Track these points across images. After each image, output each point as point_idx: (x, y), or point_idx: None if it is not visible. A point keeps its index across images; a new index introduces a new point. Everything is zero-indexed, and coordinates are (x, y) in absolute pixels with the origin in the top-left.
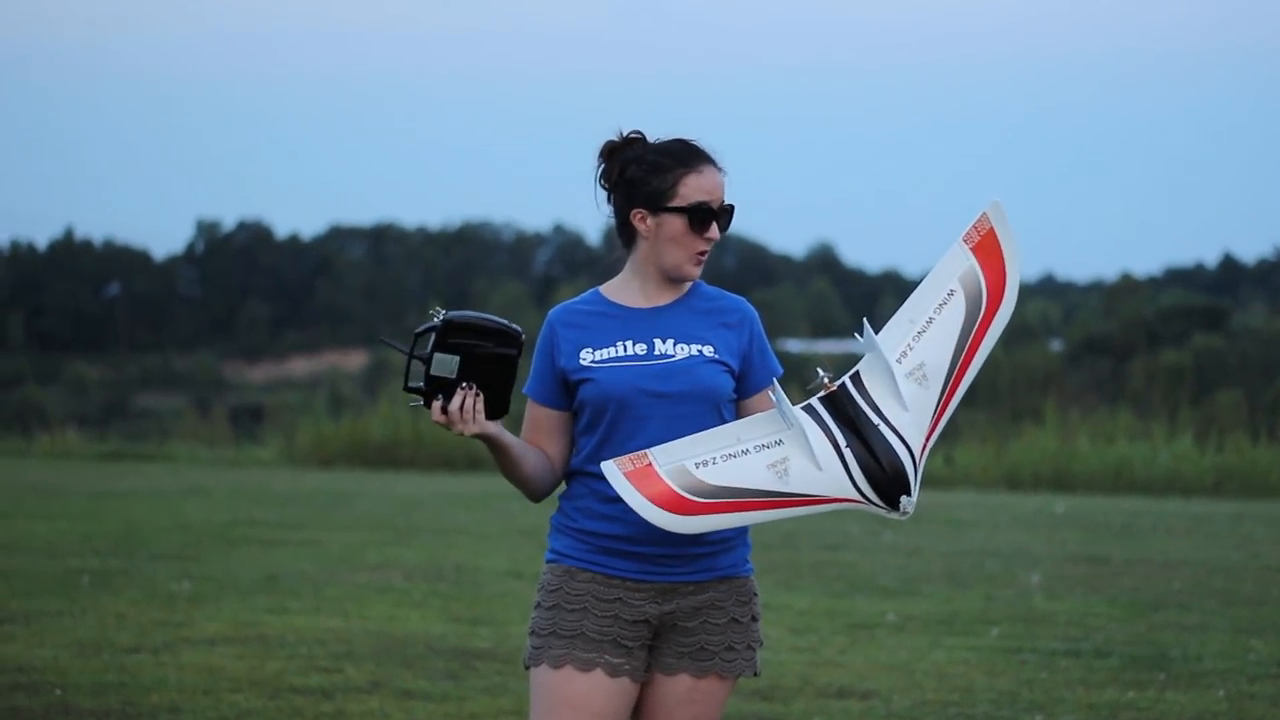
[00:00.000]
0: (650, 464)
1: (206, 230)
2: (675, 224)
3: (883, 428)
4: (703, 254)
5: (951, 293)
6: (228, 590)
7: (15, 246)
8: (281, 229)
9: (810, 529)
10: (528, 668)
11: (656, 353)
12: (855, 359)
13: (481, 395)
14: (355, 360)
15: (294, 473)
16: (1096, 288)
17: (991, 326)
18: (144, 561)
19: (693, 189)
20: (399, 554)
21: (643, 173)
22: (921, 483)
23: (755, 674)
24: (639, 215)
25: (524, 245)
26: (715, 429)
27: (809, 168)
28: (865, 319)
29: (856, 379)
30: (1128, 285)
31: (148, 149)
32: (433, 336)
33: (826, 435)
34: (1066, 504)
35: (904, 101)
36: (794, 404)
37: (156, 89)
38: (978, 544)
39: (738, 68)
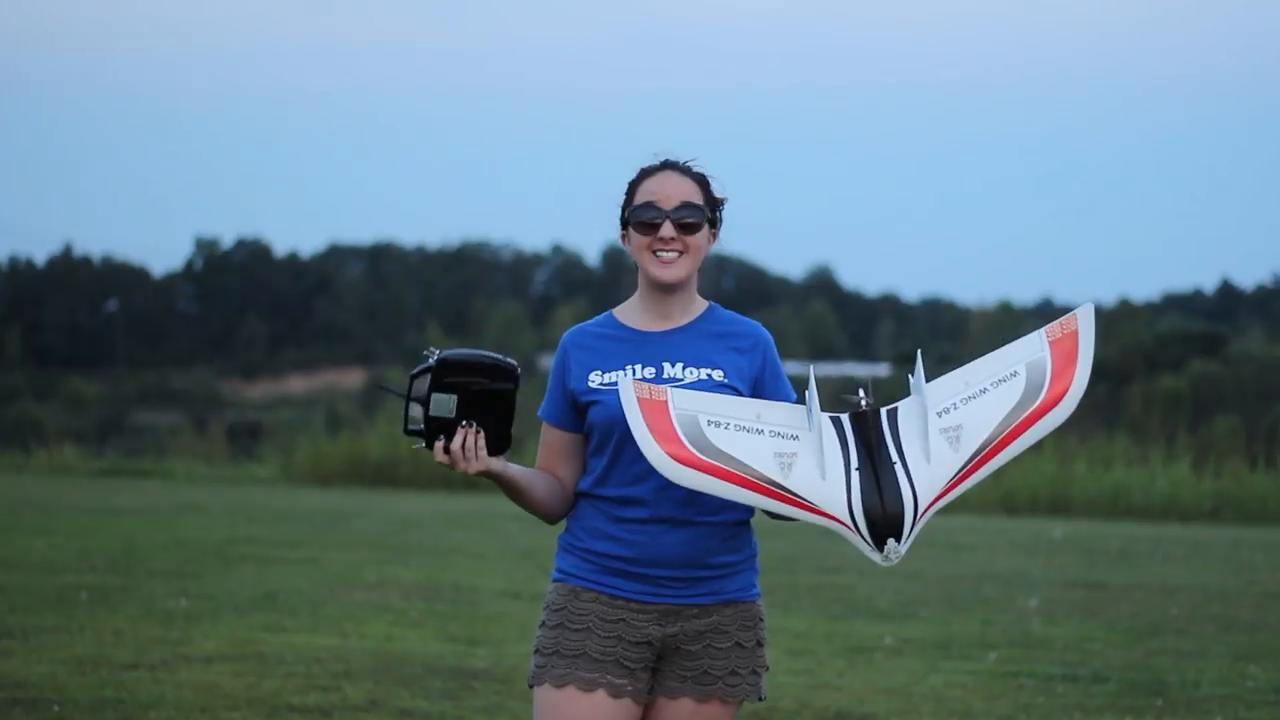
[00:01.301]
0: (666, 401)
1: (205, 248)
2: (633, 233)
3: (898, 468)
4: (662, 255)
5: (1015, 374)
6: (225, 608)
7: (14, 262)
8: (280, 247)
9: (808, 551)
10: (532, 686)
11: (665, 376)
12: (851, 382)
13: (482, 432)
14: (353, 379)
15: (291, 491)
16: (1095, 313)
17: (1040, 422)
18: (142, 578)
19: (641, 194)
20: (397, 573)
21: (621, 200)
22: (914, 539)
23: (760, 699)
24: (623, 237)
25: (522, 265)
26: (739, 399)
27: (808, 190)
28: (920, 351)
29: (892, 415)
30: (1126, 310)
31: (147, 166)
32: (428, 377)
33: (842, 450)
34: (1064, 529)
35: (903, 125)
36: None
37: (156, 106)
38: (976, 568)
39: (737, 90)
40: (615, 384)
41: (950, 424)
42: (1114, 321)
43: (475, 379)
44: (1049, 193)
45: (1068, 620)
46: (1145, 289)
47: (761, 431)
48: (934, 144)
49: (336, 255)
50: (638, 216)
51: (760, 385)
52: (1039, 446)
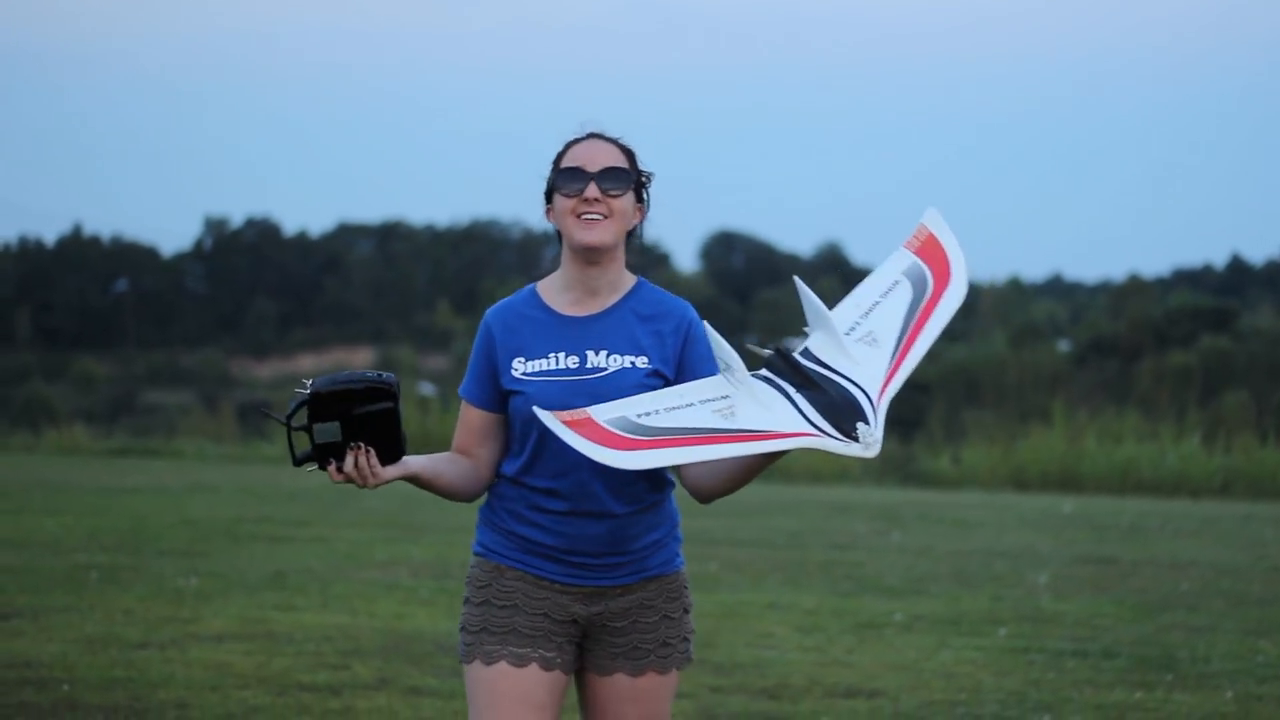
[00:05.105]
0: (589, 417)
1: (214, 227)
2: (557, 199)
3: (832, 375)
4: (587, 217)
5: (896, 283)
6: (235, 587)
7: (23, 242)
8: (289, 226)
9: (817, 528)
10: (463, 664)
11: (589, 365)
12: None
13: (373, 450)
14: (362, 358)
15: (301, 469)
16: (1104, 288)
17: (941, 302)
18: (151, 558)
19: (565, 161)
20: (406, 551)
21: (547, 173)
22: (885, 428)
23: (689, 660)
24: (548, 212)
25: (532, 243)
26: (656, 390)
27: (818, 166)
28: (799, 284)
29: (805, 352)
30: (1135, 286)
31: (156, 146)
32: (302, 410)
33: (775, 388)
34: (1074, 504)
35: (913, 100)
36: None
37: (165, 86)
38: (985, 544)
39: (748, 65)
40: (538, 374)
41: (862, 334)
42: (1124, 297)
43: (352, 405)
44: (1059, 168)
45: (1077, 596)
46: (1155, 264)
47: (692, 405)
48: (943, 120)
49: (346, 234)
50: (562, 180)
51: (684, 368)
52: (1049, 422)
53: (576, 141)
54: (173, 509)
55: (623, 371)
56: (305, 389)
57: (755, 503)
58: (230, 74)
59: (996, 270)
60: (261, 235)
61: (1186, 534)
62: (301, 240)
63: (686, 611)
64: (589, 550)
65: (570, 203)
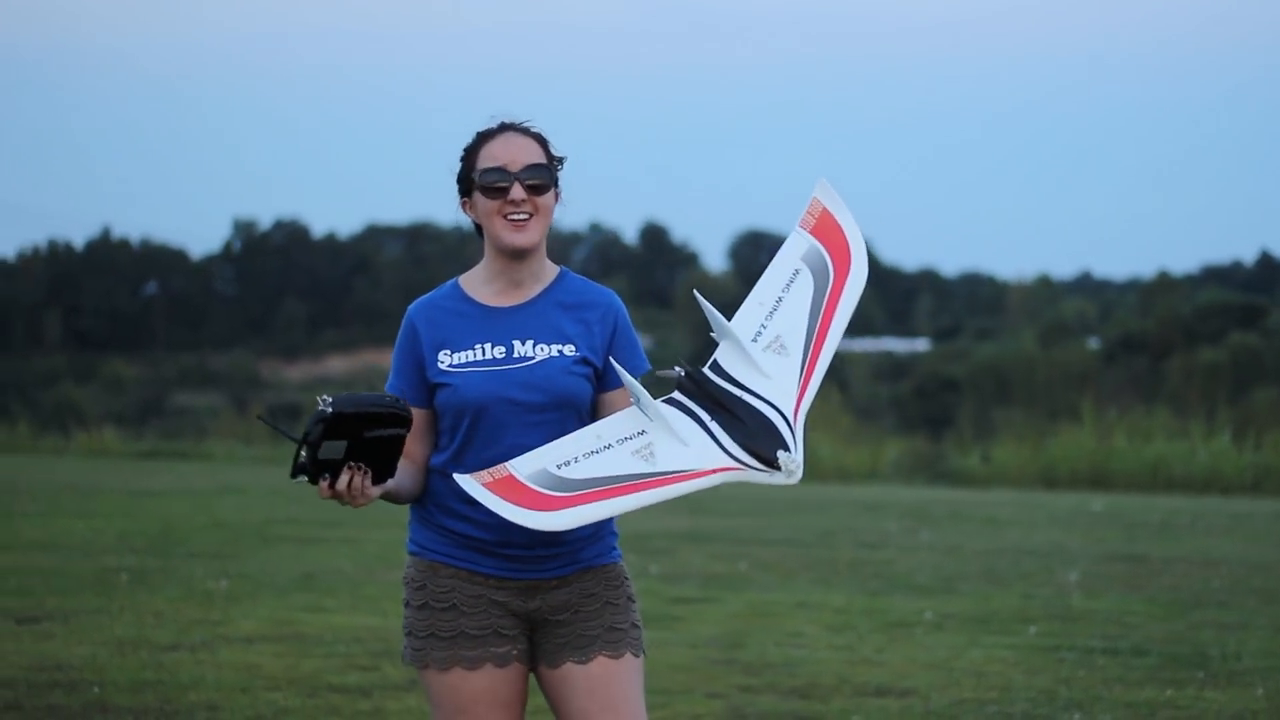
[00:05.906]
0: (510, 475)
1: (243, 229)
2: (479, 198)
3: (745, 396)
4: (514, 218)
5: (797, 272)
6: (265, 588)
7: (53, 246)
8: (318, 228)
9: (847, 526)
10: (413, 666)
11: (516, 355)
12: (888, 357)
13: (369, 471)
14: (390, 360)
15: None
16: (1134, 286)
17: (845, 292)
18: (181, 560)
19: (484, 159)
20: None
21: (459, 165)
22: (805, 448)
23: (643, 650)
24: (465, 204)
25: (560, 243)
26: (573, 433)
27: (843, 163)
28: (699, 296)
29: (715, 365)
30: (1165, 283)
31: (185, 148)
32: (322, 427)
33: (690, 416)
34: (1104, 502)
35: (939, 94)
36: (654, 398)
37: (194, 89)
38: (1015, 542)
39: (773, 63)
40: (465, 365)
41: (769, 340)
42: (1153, 294)
43: (368, 428)
44: (1088, 166)
45: (1108, 594)
46: (1184, 261)
47: (610, 446)
48: (972, 117)
49: (374, 235)
50: (485, 180)
51: (611, 356)
52: (1079, 420)
53: (490, 135)
54: (202, 511)
55: (550, 360)
56: (326, 406)
57: (784, 501)
58: (258, 77)
59: (1025, 268)
60: (290, 237)
61: (1217, 531)
62: (330, 242)
63: (631, 600)
64: (520, 542)
65: (495, 204)
